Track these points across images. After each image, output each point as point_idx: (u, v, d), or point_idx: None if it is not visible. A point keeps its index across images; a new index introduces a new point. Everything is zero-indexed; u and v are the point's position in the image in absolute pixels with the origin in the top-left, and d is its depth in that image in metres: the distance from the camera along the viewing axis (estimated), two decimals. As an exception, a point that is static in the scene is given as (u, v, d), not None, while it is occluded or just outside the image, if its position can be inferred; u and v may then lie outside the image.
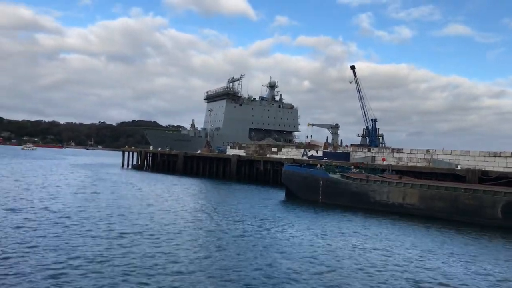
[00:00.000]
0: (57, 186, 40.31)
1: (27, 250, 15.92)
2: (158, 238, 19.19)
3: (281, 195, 40.54)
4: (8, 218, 21.87)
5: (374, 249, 19.19)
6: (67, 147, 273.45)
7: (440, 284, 14.48)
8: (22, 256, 15.00)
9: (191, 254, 16.67)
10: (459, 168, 38.62)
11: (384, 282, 14.35)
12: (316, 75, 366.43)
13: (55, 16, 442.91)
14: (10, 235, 18.20)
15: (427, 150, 44.96)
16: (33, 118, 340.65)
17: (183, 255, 16.51)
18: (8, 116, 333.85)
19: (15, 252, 15.48)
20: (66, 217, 23.12)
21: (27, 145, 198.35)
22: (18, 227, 19.76)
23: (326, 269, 15.55)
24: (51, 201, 29.18)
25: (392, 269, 16.02)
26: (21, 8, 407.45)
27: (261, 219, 26.06)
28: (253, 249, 18.09)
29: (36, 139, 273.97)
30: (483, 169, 37.17)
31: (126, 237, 19.03)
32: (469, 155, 40.98)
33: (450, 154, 42.53)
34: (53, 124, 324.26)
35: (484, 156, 39.87)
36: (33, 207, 26.05)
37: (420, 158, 44.81)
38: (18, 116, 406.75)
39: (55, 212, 24.75)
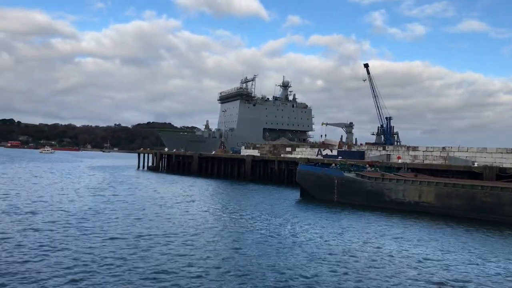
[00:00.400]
0: (76, 188, 40.99)
1: (46, 252, 16.25)
2: (176, 240, 19.39)
3: (296, 195, 40.56)
4: (28, 221, 22.37)
5: (395, 249, 19.11)
6: (84, 150, 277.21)
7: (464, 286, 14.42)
8: (42, 260, 15.29)
9: (210, 256, 16.81)
10: (476, 165, 38.18)
11: (405, 283, 14.33)
12: (330, 74, 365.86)
13: (70, 20, 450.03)
14: (30, 237, 18.61)
15: (443, 148, 44.55)
16: (50, 121, 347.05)
17: (202, 257, 16.64)
18: (25, 120, 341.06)
19: (35, 255, 15.83)
20: (85, 219, 23.54)
21: (45, 148, 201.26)
22: (38, 230, 20.20)
23: (346, 270, 15.53)
24: (70, 204, 29.70)
25: (414, 268, 15.95)
26: (36, 13, 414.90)
27: (278, 220, 26.14)
28: (272, 250, 18.15)
29: (53, 142, 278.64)
30: (501, 166, 36.72)
31: (144, 239, 19.28)
32: (486, 152, 40.50)
33: (467, 151, 42.08)
34: (70, 127, 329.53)
35: (502, 153, 39.38)
36: (52, 210, 26.56)
37: (436, 156, 44.40)
38: (35, 120, 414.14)
39: (73, 214, 25.19)
